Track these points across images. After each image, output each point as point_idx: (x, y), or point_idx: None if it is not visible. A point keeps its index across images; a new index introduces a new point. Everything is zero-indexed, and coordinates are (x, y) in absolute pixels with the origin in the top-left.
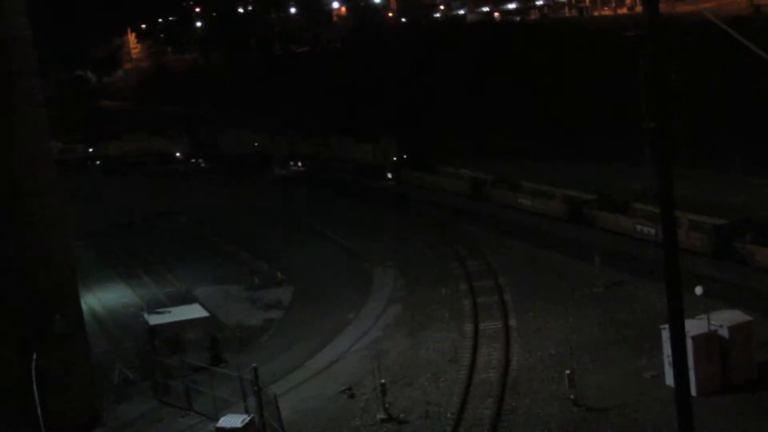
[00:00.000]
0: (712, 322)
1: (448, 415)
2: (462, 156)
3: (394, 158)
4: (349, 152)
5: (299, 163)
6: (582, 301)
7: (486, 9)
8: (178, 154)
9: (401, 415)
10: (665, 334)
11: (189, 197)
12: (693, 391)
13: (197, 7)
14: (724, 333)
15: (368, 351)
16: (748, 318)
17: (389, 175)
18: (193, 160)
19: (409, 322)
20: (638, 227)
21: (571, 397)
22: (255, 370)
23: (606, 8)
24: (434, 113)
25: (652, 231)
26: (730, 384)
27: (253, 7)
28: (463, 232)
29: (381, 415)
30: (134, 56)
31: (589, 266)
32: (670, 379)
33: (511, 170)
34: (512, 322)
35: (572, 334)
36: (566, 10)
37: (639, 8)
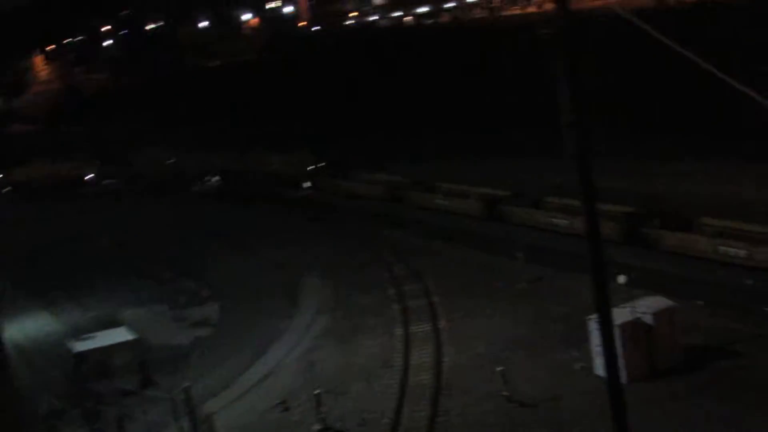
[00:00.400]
0: (636, 309)
1: (385, 420)
2: (382, 161)
3: (311, 167)
4: (264, 164)
5: (215, 178)
6: (508, 297)
7: (398, 13)
8: (88, 177)
9: (337, 425)
10: (592, 325)
11: (105, 219)
12: (622, 379)
13: (105, 26)
14: (649, 320)
15: (300, 362)
16: (671, 303)
17: (306, 185)
18: (105, 182)
19: (340, 331)
20: (552, 220)
21: (505, 393)
22: (187, 390)
23: (515, 7)
24: (354, 120)
25: (566, 223)
26: (656, 370)
27: (163, 23)
28: (386, 237)
29: (317, 426)
30: (43, 78)
31: (512, 263)
32: (599, 369)
33: (431, 172)
34: (442, 323)
35: (501, 331)
36: (476, 10)
37: (547, 5)
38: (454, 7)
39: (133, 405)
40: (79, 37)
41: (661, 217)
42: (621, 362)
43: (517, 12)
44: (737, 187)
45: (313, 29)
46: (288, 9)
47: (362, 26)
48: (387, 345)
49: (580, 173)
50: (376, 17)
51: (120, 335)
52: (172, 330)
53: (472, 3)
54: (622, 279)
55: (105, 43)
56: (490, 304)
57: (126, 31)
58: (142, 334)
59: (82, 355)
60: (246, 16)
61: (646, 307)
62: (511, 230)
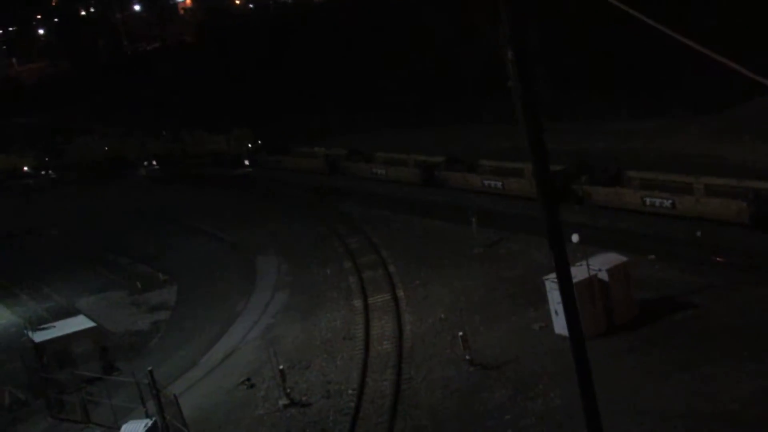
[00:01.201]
0: (591, 266)
1: (350, 391)
2: (321, 135)
3: (250, 145)
4: (203, 145)
5: (154, 162)
6: (464, 263)
7: None
8: (26, 168)
9: (303, 398)
10: (549, 285)
11: (50, 210)
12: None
13: (37, 14)
14: (604, 276)
15: (262, 340)
16: (623, 259)
17: (246, 162)
18: (43, 173)
19: (299, 306)
20: (486, 182)
21: (467, 357)
22: (151, 373)
23: None
24: (291, 96)
25: (499, 184)
26: (614, 325)
27: (95, 8)
28: (334, 210)
29: (283, 401)
30: None
31: (463, 228)
32: (558, 328)
33: (371, 143)
34: (400, 293)
35: (460, 297)
36: None
37: None
38: None
39: (98, 391)
40: (11, 28)
41: (589, 173)
42: (566, 320)
43: None
44: (678, 143)
45: (249, 6)
46: None
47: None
48: (347, 317)
49: (528, 136)
50: None
51: (79, 323)
52: (131, 315)
53: None
54: (575, 238)
55: (39, 32)
56: (446, 271)
57: (57, 19)
58: (101, 321)
59: (42, 345)
60: None
61: (600, 263)
62: (453, 195)
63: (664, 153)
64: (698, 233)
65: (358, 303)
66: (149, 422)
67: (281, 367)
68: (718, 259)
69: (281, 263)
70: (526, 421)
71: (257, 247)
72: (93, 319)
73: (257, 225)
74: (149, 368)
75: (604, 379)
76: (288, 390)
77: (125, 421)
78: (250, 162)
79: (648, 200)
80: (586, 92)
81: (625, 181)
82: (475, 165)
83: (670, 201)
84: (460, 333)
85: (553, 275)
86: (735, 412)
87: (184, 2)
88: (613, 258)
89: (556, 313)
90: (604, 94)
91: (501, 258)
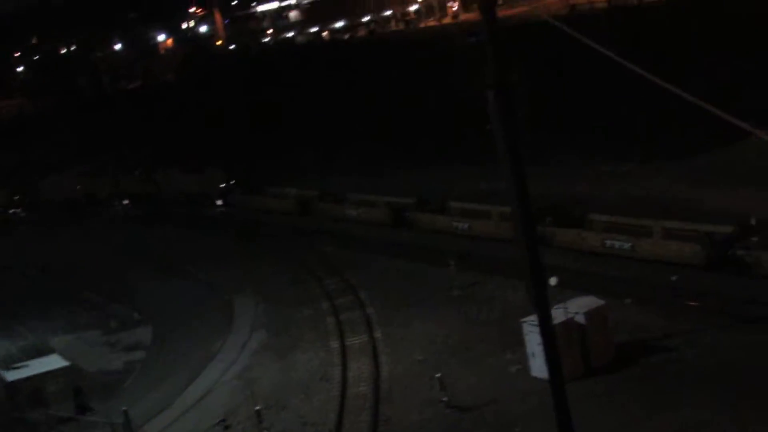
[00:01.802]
0: (568, 309)
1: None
2: (294, 176)
3: (222, 185)
4: (175, 184)
5: (126, 201)
6: (442, 304)
7: (314, 29)
8: None
9: None
10: (526, 328)
11: (23, 249)
12: None
13: (16, 52)
14: (582, 319)
15: (238, 380)
16: (601, 302)
17: (219, 202)
18: (12, 211)
19: (276, 346)
20: (454, 224)
21: (444, 399)
22: (126, 413)
23: (431, 19)
24: (270, 137)
25: (466, 226)
26: (591, 367)
27: (76, 46)
28: (309, 250)
29: None
30: None
31: (440, 270)
32: (535, 371)
33: (343, 185)
34: (377, 334)
35: (437, 339)
36: (393, 23)
37: (464, 16)
38: (369, 21)
39: (71, 431)
40: None
41: (554, 215)
42: (546, 363)
43: (433, 24)
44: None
45: (230, 48)
46: (203, 28)
47: (278, 43)
48: (324, 358)
49: (513, 180)
50: (291, 34)
51: (52, 363)
52: (105, 355)
53: (389, 16)
54: (553, 280)
55: (17, 69)
56: (423, 312)
57: (38, 56)
58: (75, 360)
59: (15, 385)
60: (161, 37)
61: (578, 306)
62: (425, 236)
63: (643, 197)
64: (673, 278)
65: (335, 344)
66: None
67: (258, 407)
68: (691, 303)
69: (258, 303)
70: None
71: (234, 287)
72: (67, 359)
73: (233, 265)
74: (124, 408)
75: (582, 422)
76: (264, 431)
77: None
78: (222, 202)
79: (608, 242)
80: (567, 136)
81: (588, 224)
82: (443, 207)
83: (629, 244)
84: (438, 375)
85: (530, 318)
86: None
87: (165, 42)
88: (591, 301)
89: (533, 355)
90: (586, 138)
91: (478, 300)
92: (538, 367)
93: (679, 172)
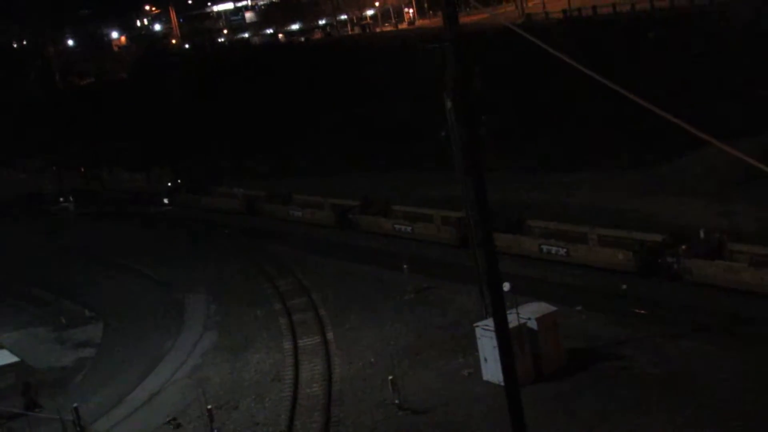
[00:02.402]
0: (521, 315)
1: None
2: (245, 176)
3: (169, 183)
4: (121, 182)
5: (71, 198)
6: (394, 308)
7: (270, 31)
8: None
9: None
10: (479, 332)
11: None
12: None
13: None
14: (533, 325)
15: (189, 379)
16: (553, 308)
17: (165, 201)
18: None
19: (228, 347)
20: (396, 227)
21: (396, 401)
22: (76, 410)
23: (387, 24)
24: (217, 136)
25: (408, 229)
26: (541, 373)
27: (27, 41)
28: (258, 250)
29: None
30: None
31: (393, 273)
32: (486, 375)
33: (299, 186)
34: (330, 335)
35: (390, 341)
36: (348, 28)
37: (419, 22)
38: (326, 24)
39: (19, 428)
40: None
41: (492, 221)
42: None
43: (390, 29)
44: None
45: (185, 46)
46: (158, 27)
47: (233, 43)
48: (277, 359)
49: (474, 188)
50: (247, 35)
51: (1, 358)
52: (55, 352)
53: (345, 20)
54: (506, 286)
55: None
56: (376, 315)
57: None
58: (25, 356)
59: None
60: (114, 35)
61: (530, 312)
62: (372, 239)
63: (595, 206)
64: (624, 286)
65: (287, 345)
66: None
67: (209, 407)
68: (640, 311)
69: (210, 303)
70: None
71: (185, 286)
72: (16, 354)
73: (184, 264)
74: (74, 405)
75: (533, 427)
76: (215, 431)
77: None
78: (169, 200)
79: (545, 248)
80: (526, 144)
81: (526, 230)
82: (388, 210)
83: (564, 249)
84: (390, 377)
85: (484, 322)
86: None
87: (119, 40)
88: (543, 307)
89: (485, 360)
90: (544, 148)
91: (431, 304)
92: (490, 372)
93: (631, 181)
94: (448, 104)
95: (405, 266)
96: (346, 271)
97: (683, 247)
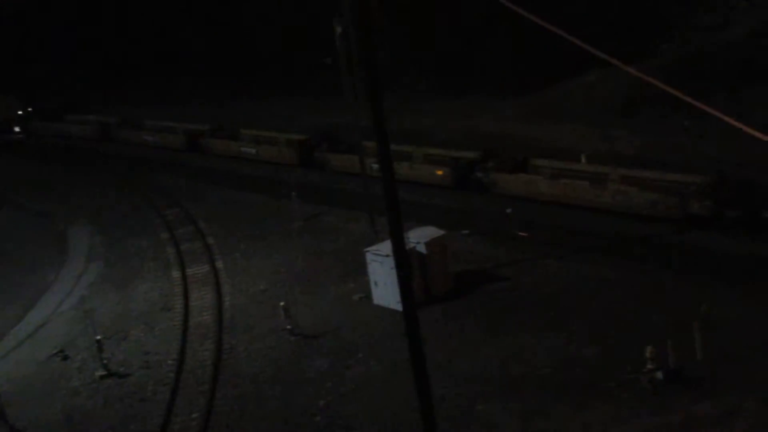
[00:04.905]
0: (410, 239)
1: (169, 361)
2: (116, 103)
3: (20, 112)
4: None
5: None
6: (284, 236)
7: None
8: None
9: (121, 369)
10: (369, 257)
11: None
12: (399, 307)
13: None
14: (422, 249)
15: (75, 311)
16: (441, 232)
17: (17, 129)
18: None
19: (114, 277)
20: (243, 149)
21: (288, 327)
22: None
23: None
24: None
25: (253, 151)
26: (431, 295)
27: None
28: (132, 176)
29: (100, 372)
30: None
31: (279, 201)
32: (377, 299)
33: (183, 114)
34: (219, 264)
35: (280, 269)
36: None
37: None
38: None
39: None
40: None
41: (329, 143)
42: (398, 290)
43: None
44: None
45: None
46: None
47: None
48: (165, 289)
49: (373, 116)
50: None
51: None
52: None
53: None
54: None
55: None
56: (267, 244)
57: None
58: None
59: None
60: None
61: (419, 236)
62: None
63: (473, 131)
64: (509, 210)
65: (176, 274)
66: None
67: (98, 337)
68: (523, 234)
69: (96, 234)
70: (345, 388)
71: (65, 217)
72: None
73: (61, 194)
74: None
75: (425, 347)
76: (105, 361)
77: None
78: (20, 129)
79: (374, 166)
80: (410, 71)
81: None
82: (236, 133)
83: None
84: (281, 303)
85: (374, 247)
86: (546, 376)
87: None
88: (431, 231)
89: (376, 284)
90: (424, 74)
91: (320, 231)
92: (380, 296)
93: (516, 105)
94: (338, 30)
95: (293, 193)
96: (233, 200)
97: (490, 163)
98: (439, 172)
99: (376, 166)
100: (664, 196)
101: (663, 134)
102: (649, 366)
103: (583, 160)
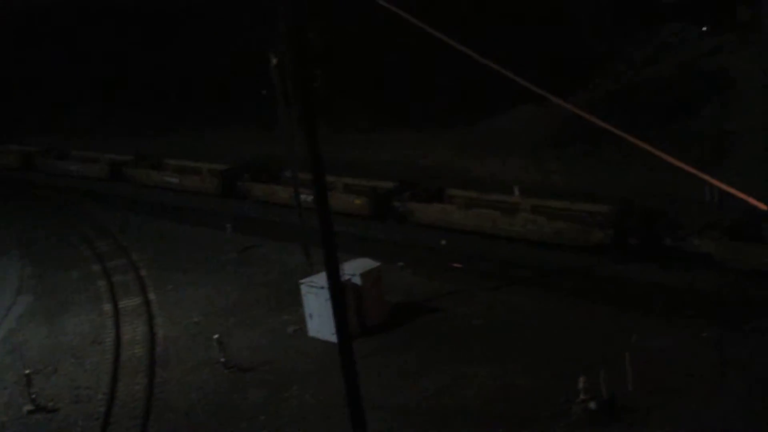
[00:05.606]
0: (345, 271)
1: (99, 396)
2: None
3: None
4: None
5: None
6: (218, 267)
7: None
8: None
9: (50, 404)
10: (304, 289)
11: None
12: (334, 339)
13: None
14: (358, 281)
15: (3, 344)
16: (377, 264)
17: None
18: None
19: (44, 310)
20: (166, 179)
21: (222, 360)
22: None
23: None
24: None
25: (175, 181)
26: (366, 327)
27: None
28: (68, 210)
29: (28, 407)
30: None
31: (215, 233)
32: (312, 331)
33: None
34: (152, 296)
35: (214, 301)
36: None
37: None
38: None
39: None
40: None
41: (251, 172)
42: (332, 323)
43: None
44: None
45: None
46: None
47: None
48: (96, 321)
49: (309, 149)
50: None
51: None
52: None
53: None
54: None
55: None
56: (200, 276)
57: None
58: None
59: None
60: None
61: (354, 268)
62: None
63: (414, 163)
64: (443, 242)
65: (107, 306)
66: None
67: (27, 371)
68: (457, 265)
69: (25, 266)
70: (281, 421)
71: None
72: None
73: None
74: None
75: (361, 378)
76: (33, 396)
77: None
78: None
79: (303, 197)
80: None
81: (284, 181)
82: (159, 163)
83: (312, 197)
84: (215, 336)
85: (309, 279)
86: (480, 408)
87: None
88: (366, 263)
89: (311, 316)
90: (365, 106)
91: (254, 263)
92: (315, 328)
93: (449, 140)
94: (273, 61)
95: (228, 225)
96: (167, 231)
97: (406, 193)
98: (358, 202)
99: (304, 196)
100: (568, 225)
101: (594, 167)
102: (582, 396)
103: (516, 192)
